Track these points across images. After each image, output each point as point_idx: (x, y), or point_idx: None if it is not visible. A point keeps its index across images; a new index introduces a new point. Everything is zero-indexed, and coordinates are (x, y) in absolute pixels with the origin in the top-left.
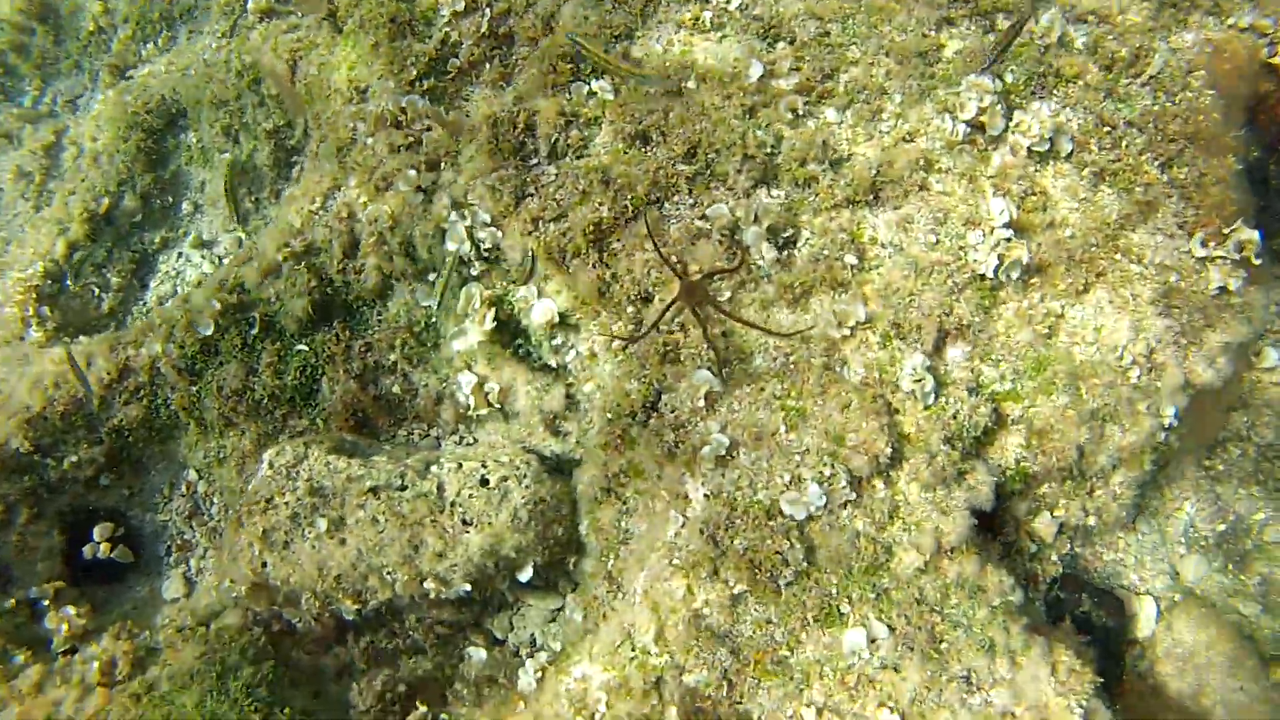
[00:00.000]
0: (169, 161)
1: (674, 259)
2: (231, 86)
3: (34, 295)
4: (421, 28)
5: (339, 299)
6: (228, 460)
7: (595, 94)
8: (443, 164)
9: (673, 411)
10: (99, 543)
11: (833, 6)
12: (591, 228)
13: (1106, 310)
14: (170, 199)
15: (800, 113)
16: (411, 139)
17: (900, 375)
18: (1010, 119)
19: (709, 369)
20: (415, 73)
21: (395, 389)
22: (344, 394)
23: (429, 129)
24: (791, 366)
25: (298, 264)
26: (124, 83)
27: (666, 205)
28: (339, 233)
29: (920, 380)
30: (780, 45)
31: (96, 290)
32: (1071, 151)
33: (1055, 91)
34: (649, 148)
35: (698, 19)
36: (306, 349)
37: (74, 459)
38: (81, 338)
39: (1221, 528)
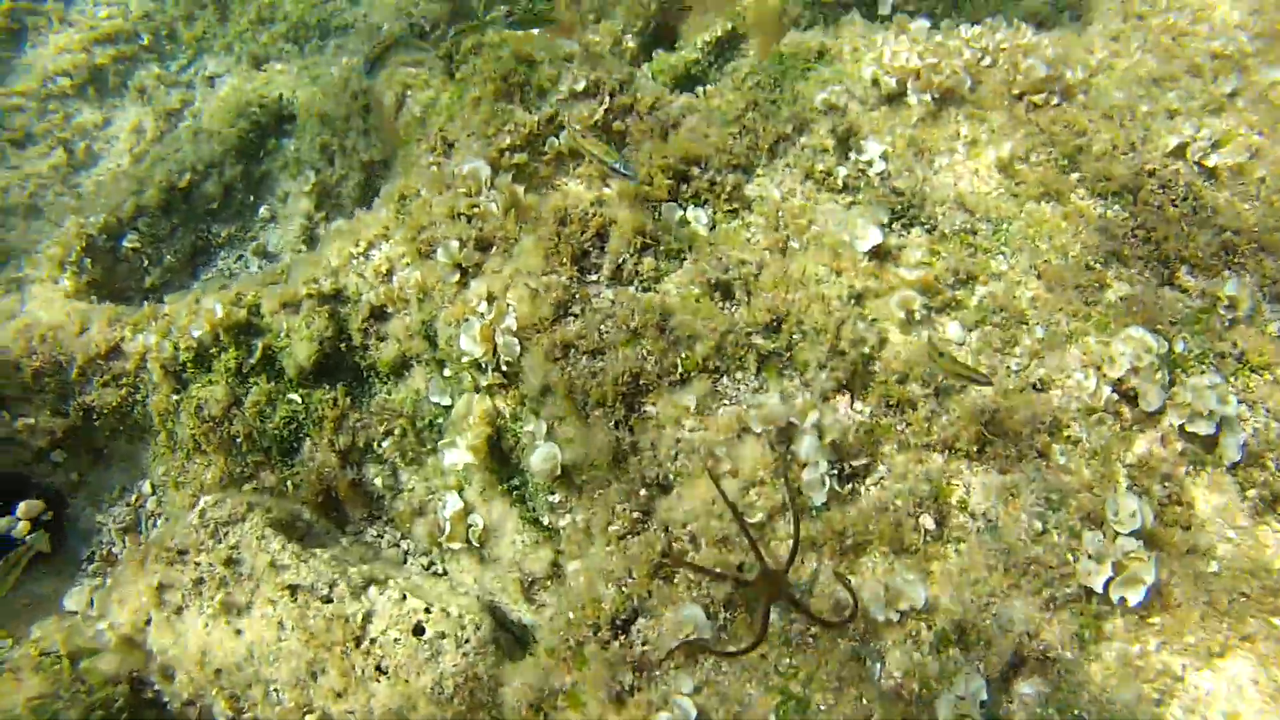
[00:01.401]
0: (263, 161)
1: (753, 534)
2: (343, 105)
3: (84, 243)
4: (532, 96)
5: (351, 359)
6: (185, 487)
7: (688, 223)
8: (495, 247)
9: (644, 644)
10: (19, 520)
11: (990, 202)
12: (628, 378)
13: (1247, 693)
14: (251, 198)
15: (917, 316)
16: (475, 209)
17: (943, 698)
18: (1169, 395)
19: (704, 608)
20: (509, 141)
21: (378, 481)
22: (322, 466)
23: (495, 203)
24: (809, 641)
25: (319, 306)
26: (254, 72)
27: (726, 379)
28: (371, 287)
29: (966, 718)
30: (915, 230)
31: (146, 262)
32: (1240, 462)
33: (1233, 379)
34: (728, 303)
35: (830, 173)
36: (299, 401)
37: (30, 421)
38: (106, 303)
39: None
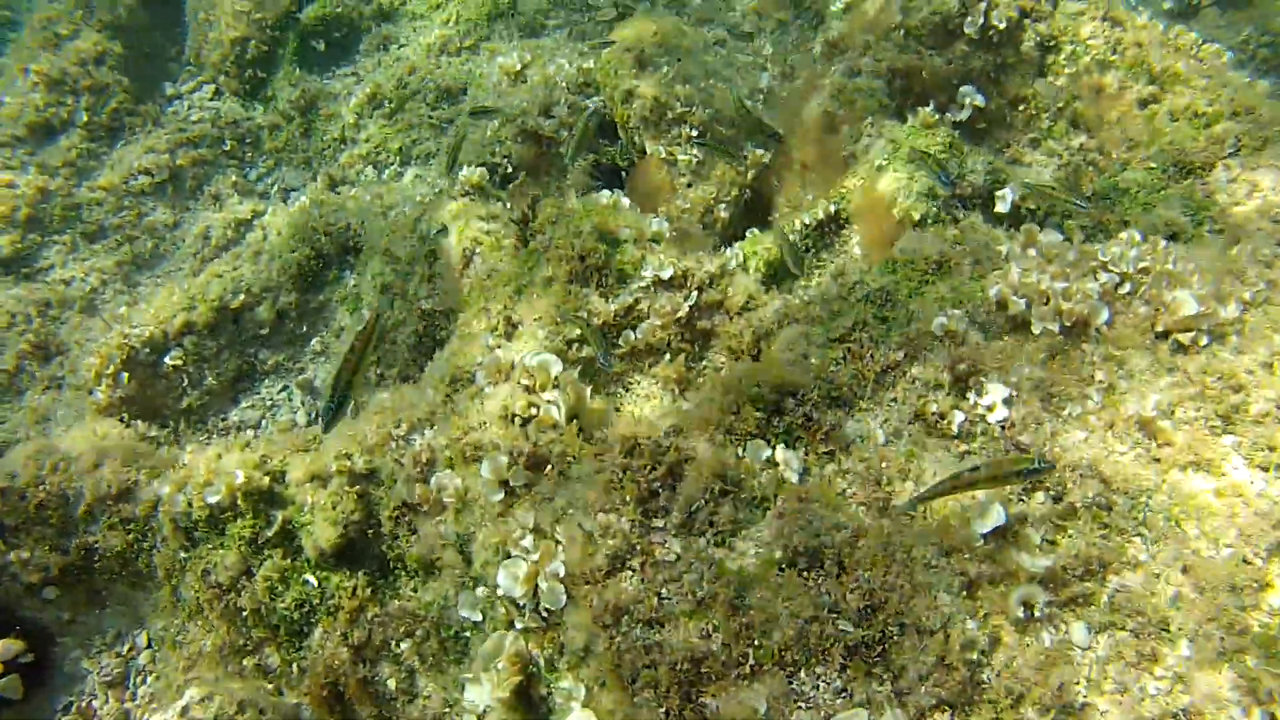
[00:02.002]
0: (321, 290)
1: None
2: (409, 247)
3: (125, 355)
4: (611, 280)
5: (377, 546)
6: (183, 648)
7: (775, 465)
8: (551, 467)
9: None
10: None
11: (1128, 469)
12: (687, 665)
13: None
14: (305, 328)
15: (1036, 614)
16: (533, 410)
17: None
18: None
19: None
20: (579, 331)
21: (391, 682)
22: (331, 658)
23: (558, 406)
24: None
25: (349, 486)
26: (326, 194)
27: (804, 674)
28: (409, 479)
29: None
30: (1039, 497)
31: (186, 381)
32: None
33: None
34: (815, 573)
35: (944, 416)
36: (314, 585)
37: (25, 555)
38: (139, 422)
39: None
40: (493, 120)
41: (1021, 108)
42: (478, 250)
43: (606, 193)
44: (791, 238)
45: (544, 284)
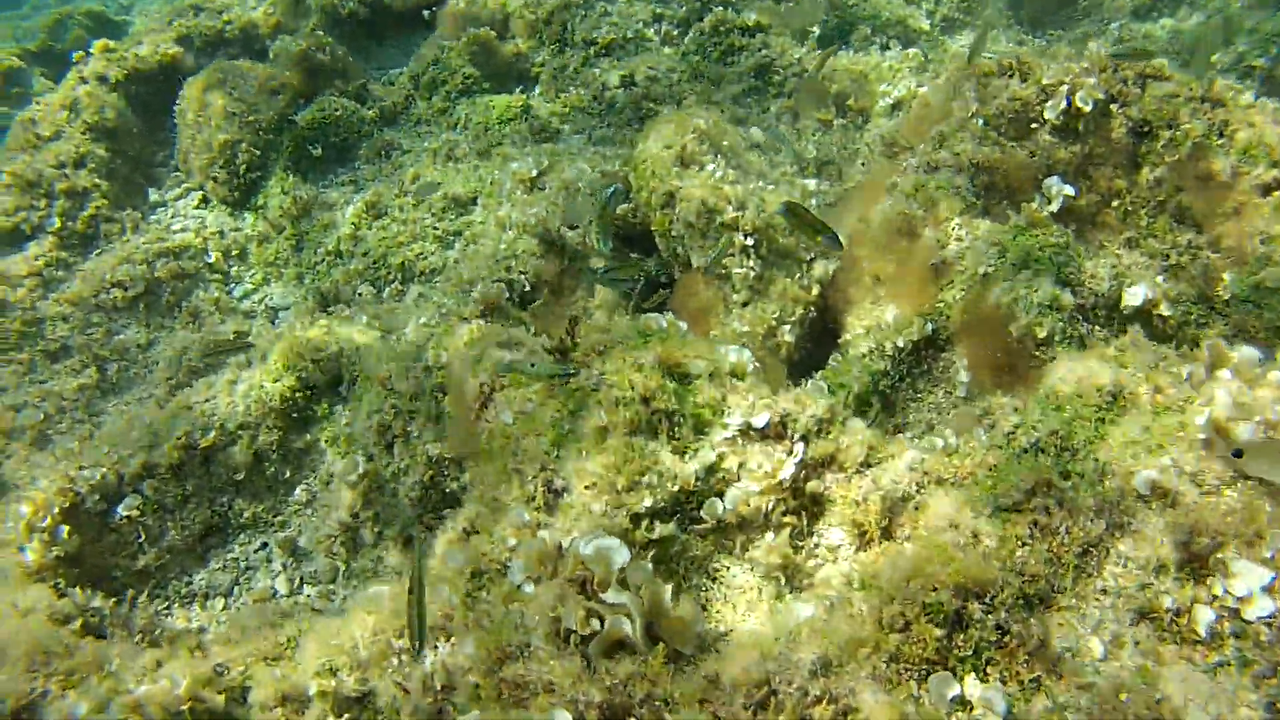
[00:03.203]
0: (308, 428)
1: None
2: (411, 380)
3: (66, 503)
4: (684, 429)
5: None
6: None
7: (968, 708)
8: (632, 717)
9: None
10: None
11: None
12: None
13: None
14: (287, 473)
15: None
16: (593, 621)
17: None
18: None
19: None
20: (650, 501)
21: None
22: None
23: (630, 621)
24: None
25: (334, 713)
26: (316, 316)
27: None
28: (420, 712)
29: None
30: None
31: (144, 536)
32: None
33: None
34: None
35: (1183, 611)
36: None
37: None
38: (77, 590)
39: None
40: None
41: (1115, 203)
42: (498, 390)
43: (658, 316)
44: (882, 364)
45: (596, 436)
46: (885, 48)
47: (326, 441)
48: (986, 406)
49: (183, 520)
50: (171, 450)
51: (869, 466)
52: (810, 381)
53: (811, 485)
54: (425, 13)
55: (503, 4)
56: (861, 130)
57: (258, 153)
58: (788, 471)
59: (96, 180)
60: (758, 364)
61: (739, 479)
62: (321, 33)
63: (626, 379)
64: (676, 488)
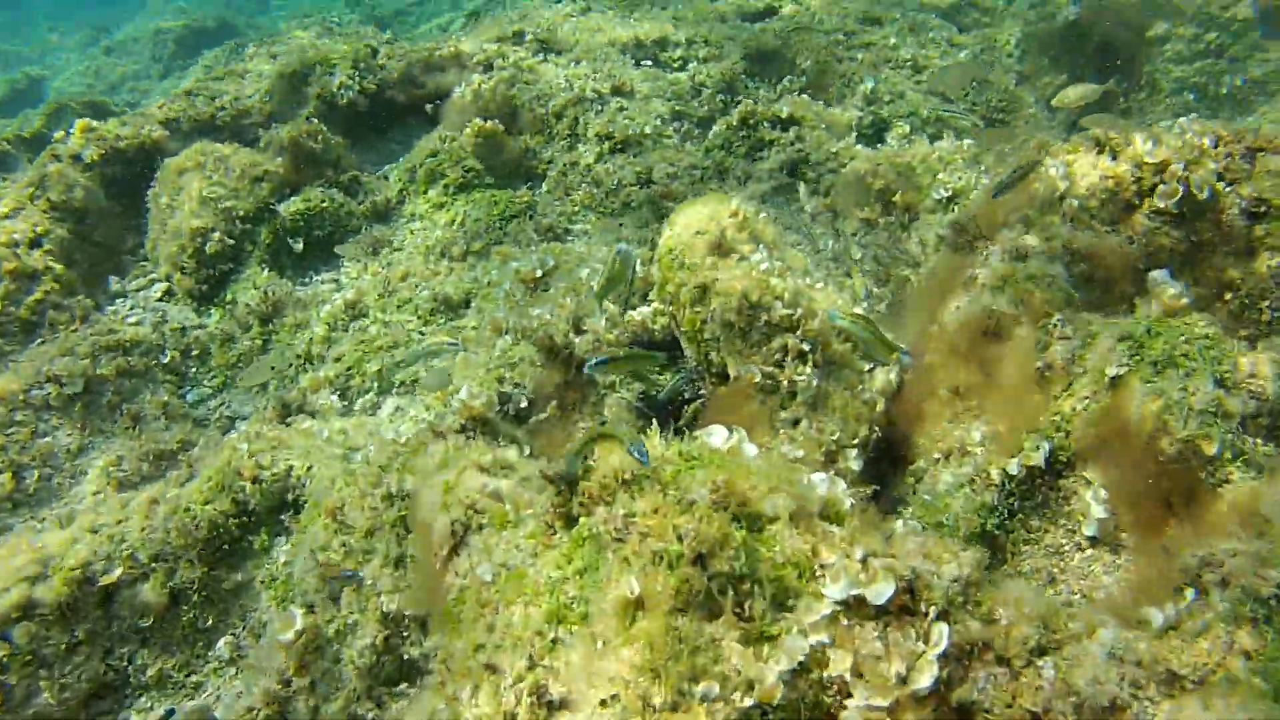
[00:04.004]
0: (243, 563)
1: None
2: (368, 508)
3: None
4: (758, 607)
5: None
6: None
7: None
8: None
9: None
10: None
11: None
12: None
13: None
14: (210, 619)
15: None
16: None
17: None
18: None
19: None
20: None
21: None
22: None
23: None
24: None
25: None
26: (274, 426)
27: None
28: None
29: None
30: None
31: (13, 698)
32: None
33: None
34: None
35: None
36: None
37: None
38: None
39: None
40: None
41: (1228, 296)
42: (475, 527)
43: (718, 430)
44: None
45: (621, 613)
46: (936, 137)
47: (263, 583)
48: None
49: (63, 678)
50: (61, 584)
51: (1044, 654)
52: (899, 523)
53: (960, 693)
54: (429, 106)
55: (511, 98)
56: (909, 229)
57: (231, 243)
58: (929, 676)
59: (50, 263)
60: (853, 499)
61: (851, 688)
62: (316, 120)
63: (669, 524)
64: (751, 702)
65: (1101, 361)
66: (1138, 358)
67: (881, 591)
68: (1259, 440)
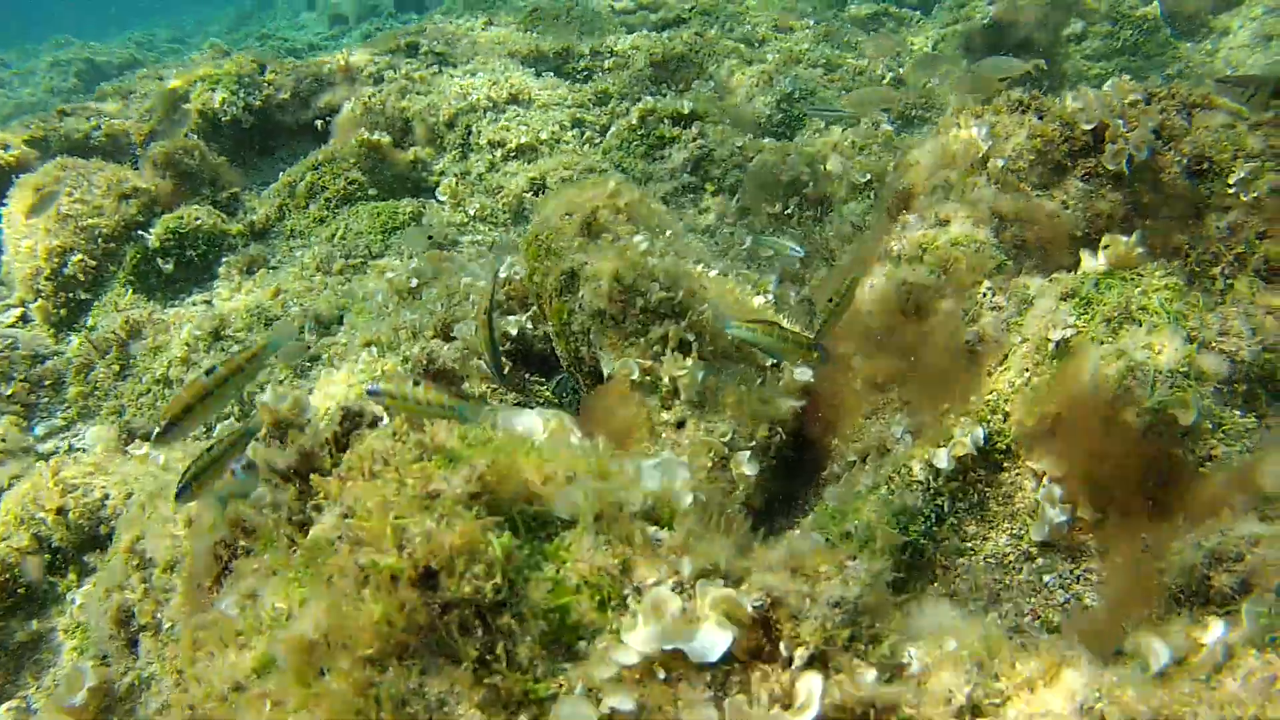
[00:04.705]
0: (41, 611)
1: None
2: (169, 540)
3: None
4: (525, 655)
5: None
6: None
7: None
8: None
9: None
10: None
11: None
12: None
13: None
14: None
15: None
16: None
17: None
18: None
19: None
20: None
21: None
22: None
23: None
24: None
25: None
26: (117, 456)
27: None
28: None
29: None
30: None
31: None
32: None
33: None
34: None
35: None
36: None
37: None
38: None
39: None
40: None
41: (1174, 263)
42: (244, 550)
43: (527, 413)
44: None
45: (298, 662)
46: (849, 124)
47: (64, 632)
48: (1212, 548)
49: None
50: None
51: (978, 716)
52: (795, 535)
53: None
54: (318, 122)
55: (402, 109)
56: (822, 222)
57: (93, 264)
58: None
59: None
60: (700, 494)
61: None
62: (195, 137)
63: (386, 525)
64: None
65: (1042, 326)
66: (1087, 315)
67: (709, 644)
68: (1236, 412)
